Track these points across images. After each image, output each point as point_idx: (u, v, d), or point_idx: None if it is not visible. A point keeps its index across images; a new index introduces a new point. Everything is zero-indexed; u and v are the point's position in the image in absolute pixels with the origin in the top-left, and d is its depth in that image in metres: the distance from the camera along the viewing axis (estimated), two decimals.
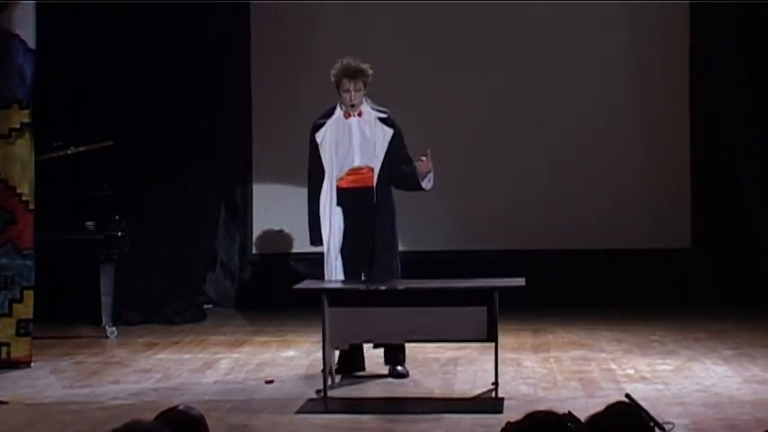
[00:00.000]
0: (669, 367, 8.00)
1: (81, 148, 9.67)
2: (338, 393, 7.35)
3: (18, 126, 8.27)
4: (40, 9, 8.39)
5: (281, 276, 10.62)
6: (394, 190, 7.97)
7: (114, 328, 9.75)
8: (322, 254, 7.92)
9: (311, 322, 8.65)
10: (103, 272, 9.71)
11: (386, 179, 7.86)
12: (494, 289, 7.15)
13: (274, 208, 11.29)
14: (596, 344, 9.00)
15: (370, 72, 7.82)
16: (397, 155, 7.85)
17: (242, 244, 11.50)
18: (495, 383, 7.12)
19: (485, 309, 7.09)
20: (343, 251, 7.84)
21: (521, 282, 7.34)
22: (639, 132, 11.13)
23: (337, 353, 7.71)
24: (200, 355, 8.82)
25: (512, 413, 6.10)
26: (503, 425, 3.91)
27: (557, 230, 10.98)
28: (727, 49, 10.58)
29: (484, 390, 7.31)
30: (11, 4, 8.21)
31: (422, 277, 8.00)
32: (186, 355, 8.83)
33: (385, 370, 7.86)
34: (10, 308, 8.24)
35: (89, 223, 9.63)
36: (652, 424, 4.24)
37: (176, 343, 9.42)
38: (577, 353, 8.66)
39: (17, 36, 8.21)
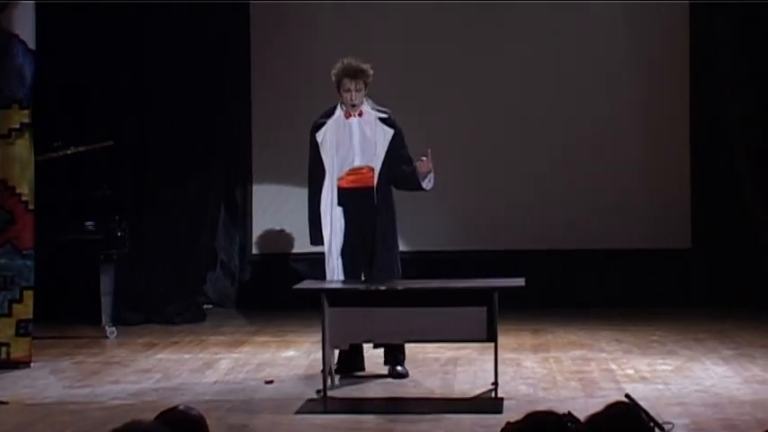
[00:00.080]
0: (669, 367, 8.00)
1: (81, 148, 9.67)
2: (338, 393, 7.35)
3: (18, 126, 8.26)
4: (40, 9, 8.39)
5: (280, 276, 10.62)
6: (394, 190, 7.97)
7: (114, 329, 9.75)
8: (322, 254, 7.92)
9: (311, 322, 8.65)
10: (103, 272, 9.71)
11: (386, 179, 7.85)
12: (493, 289, 7.15)
13: (274, 208, 11.29)
14: (596, 344, 9.00)
15: (371, 72, 7.82)
16: (397, 155, 7.84)
17: (242, 244, 11.50)
18: (495, 384, 7.12)
19: (484, 309, 7.09)
20: (344, 251, 7.83)
21: (520, 282, 7.34)
22: (639, 132, 11.13)
23: (337, 353, 7.71)
24: (200, 356, 8.82)
25: (511, 413, 6.10)
26: (502, 425, 3.91)
27: (557, 230, 10.98)
28: (727, 49, 10.58)
29: (483, 390, 7.30)
30: (11, 4, 8.20)
31: (422, 277, 8.00)
32: (186, 356, 8.83)
33: (385, 370, 7.85)
34: (10, 308, 8.24)
35: (89, 223, 9.63)
36: (652, 424, 4.23)
37: (176, 343, 9.42)
38: (577, 353, 8.66)
39: (17, 36, 8.21)
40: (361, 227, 7.85)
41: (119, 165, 10.33)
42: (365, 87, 7.82)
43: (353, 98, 7.78)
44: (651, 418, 4.79)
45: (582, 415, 3.88)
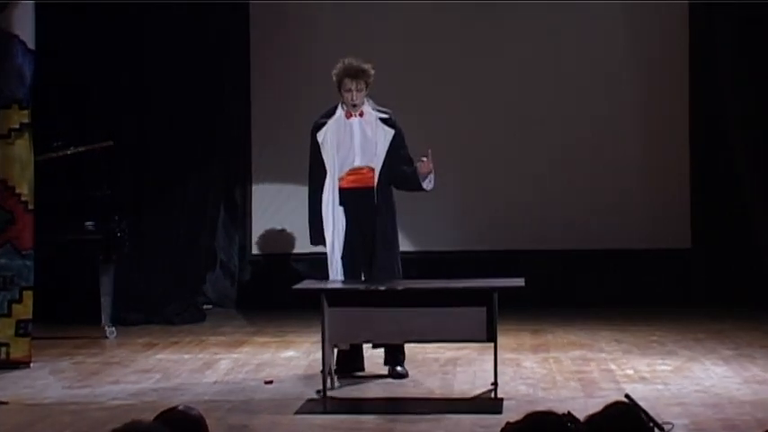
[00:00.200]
0: (669, 367, 8.00)
1: (81, 149, 9.67)
2: (338, 394, 7.35)
3: (17, 126, 8.26)
4: (40, 9, 8.39)
5: (280, 276, 10.62)
6: (394, 190, 7.97)
7: (114, 329, 9.75)
8: (322, 254, 7.92)
9: (311, 322, 8.64)
10: (103, 272, 9.71)
11: (386, 179, 7.85)
12: (493, 289, 7.15)
13: (274, 208, 11.29)
14: (596, 344, 9.00)
15: (372, 72, 7.81)
16: (397, 155, 7.84)
17: (242, 244, 11.50)
18: (495, 384, 7.12)
19: (484, 309, 7.09)
20: (344, 251, 7.83)
21: (520, 282, 7.34)
22: (639, 132, 11.12)
23: (336, 353, 7.71)
24: (200, 356, 8.82)
25: (511, 413, 6.10)
26: (502, 425, 3.90)
27: (557, 230, 10.98)
28: (726, 49, 10.58)
29: (483, 390, 7.30)
30: (11, 4, 8.20)
31: (422, 277, 7.99)
32: (186, 356, 8.83)
33: (384, 370, 7.85)
34: (9, 308, 8.24)
35: (89, 223, 9.62)
36: (651, 424, 4.23)
37: (176, 343, 9.42)
38: (577, 353, 8.66)
39: (17, 36, 8.21)
40: (361, 227, 7.84)
41: (118, 165, 10.33)
42: (366, 87, 7.81)
43: (354, 98, 7.78)
44: (651, 419, 4.78)
45: (581, 415, 3.88)
